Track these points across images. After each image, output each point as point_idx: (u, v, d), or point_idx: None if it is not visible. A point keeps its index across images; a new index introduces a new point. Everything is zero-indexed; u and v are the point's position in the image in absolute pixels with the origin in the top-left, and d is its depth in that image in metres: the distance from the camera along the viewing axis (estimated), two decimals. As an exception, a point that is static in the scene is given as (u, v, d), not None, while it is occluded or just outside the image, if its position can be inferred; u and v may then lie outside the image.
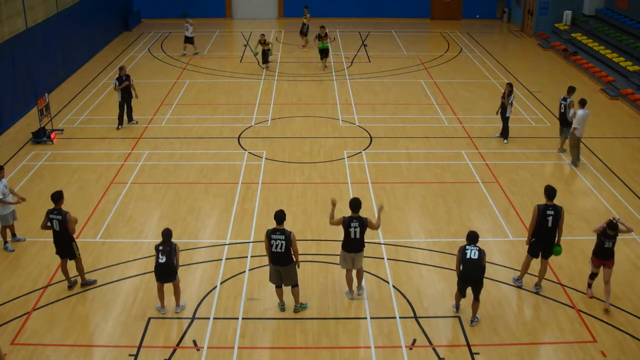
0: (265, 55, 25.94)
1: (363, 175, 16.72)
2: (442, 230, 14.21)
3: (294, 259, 11.14)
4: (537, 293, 12.04)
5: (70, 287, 12.09)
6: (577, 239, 13.90)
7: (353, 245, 11.47)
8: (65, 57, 24.80)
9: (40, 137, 18.56)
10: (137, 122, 20.11)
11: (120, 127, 19.74)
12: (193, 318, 11.33)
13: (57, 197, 11.80)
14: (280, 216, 11.11)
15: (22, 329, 11.02)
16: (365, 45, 30.32)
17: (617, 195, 15.81)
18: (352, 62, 27.39)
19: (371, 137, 19.14)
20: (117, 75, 19.68)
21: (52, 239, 11.90)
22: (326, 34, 25.67)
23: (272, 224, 14.27)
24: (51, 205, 11.80)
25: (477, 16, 36.40)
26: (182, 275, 12.29)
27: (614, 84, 23.89)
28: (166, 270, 11.11)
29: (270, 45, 26.15)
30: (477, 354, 10.51)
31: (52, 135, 18.71)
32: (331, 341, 10.81)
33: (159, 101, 22.18)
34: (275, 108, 21.73)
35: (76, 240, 12.06)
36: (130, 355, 10.45)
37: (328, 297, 11.89)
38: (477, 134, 19.50)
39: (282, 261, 11.05)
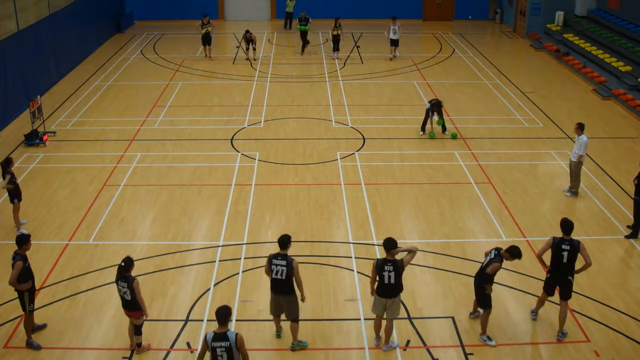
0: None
1: (356, 176, 16.72)
2: (435, 231, 14.22)
3: (298, 291, 10.31)
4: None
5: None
6: (570, 239, 13.92)
7: (386, 291, 10.26)
8: (58, 60, 24.71)
9: (33, 139, 18.48)
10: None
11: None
12: (186, 320, 11.29)
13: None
14: (283, 241, 10.21)
15: (15, 332, 10.96)
16: (357, 47, 30.35)
17: (610, 195, 15.86)
18: (344, 64, 27.39)
19: (364, 138, 19.15)
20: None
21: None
22: (306, 17, 28.49)
23: (265, 225, 14.40)
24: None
25: (470, 17, 36.47)
26: (176, 278, 12.28)
27: (606, 84, 23.97)
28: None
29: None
30: (471, 354, 10.52)
31: (44, 138, 18.64)
32: (325, 342, 10.79)
33: (151, 103, 22.13)
34: (268, 109, 21.71)
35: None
36: (124, 357, 10.41)
37: (322, 298, 11.87)
38: (470, 134, 19.53)
39: (283, 290, 10.24)
